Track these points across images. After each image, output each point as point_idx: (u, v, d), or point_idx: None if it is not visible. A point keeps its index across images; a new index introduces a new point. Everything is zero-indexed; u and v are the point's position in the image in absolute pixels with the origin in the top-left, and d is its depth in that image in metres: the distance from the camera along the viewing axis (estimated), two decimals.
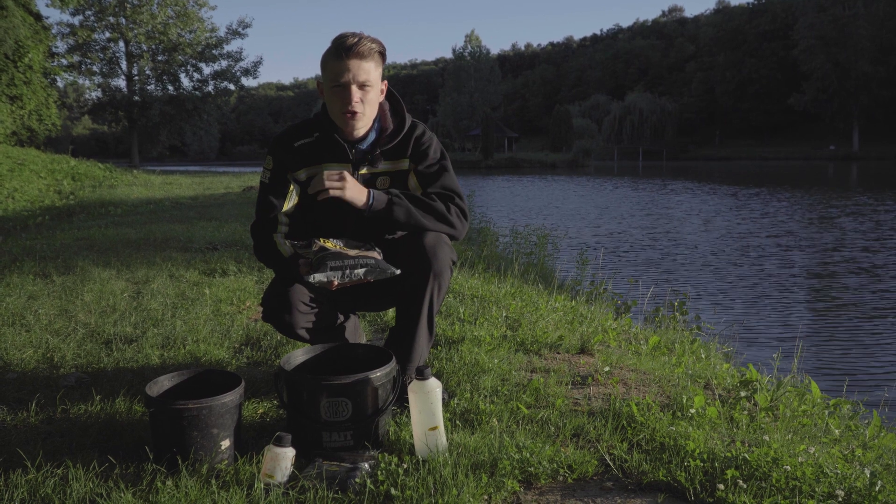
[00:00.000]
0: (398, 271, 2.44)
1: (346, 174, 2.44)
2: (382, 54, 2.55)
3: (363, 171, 2.60)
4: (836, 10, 71.37)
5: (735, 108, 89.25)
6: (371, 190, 2.51)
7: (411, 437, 2.29)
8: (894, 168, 47.29)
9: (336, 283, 2.37)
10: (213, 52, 44.51)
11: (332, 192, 2.41)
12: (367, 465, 2.10)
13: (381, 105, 2.64)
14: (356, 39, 2.46)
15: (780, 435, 2.47)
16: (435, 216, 2.57)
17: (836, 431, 2.71)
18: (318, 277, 2.34)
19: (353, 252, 2.39)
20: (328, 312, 2.72)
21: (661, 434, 2.38)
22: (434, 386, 2.24)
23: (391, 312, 4.12)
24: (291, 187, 2.63)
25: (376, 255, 2.43)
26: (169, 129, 47.00)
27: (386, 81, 2.62)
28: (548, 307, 4.50)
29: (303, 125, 2.67)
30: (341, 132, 2.58)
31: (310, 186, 2.45)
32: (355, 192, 2.45)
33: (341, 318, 2.83)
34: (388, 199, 2.51)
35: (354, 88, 2.47)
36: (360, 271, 2.37)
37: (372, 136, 2.62)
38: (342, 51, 2.45)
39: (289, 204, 2.63)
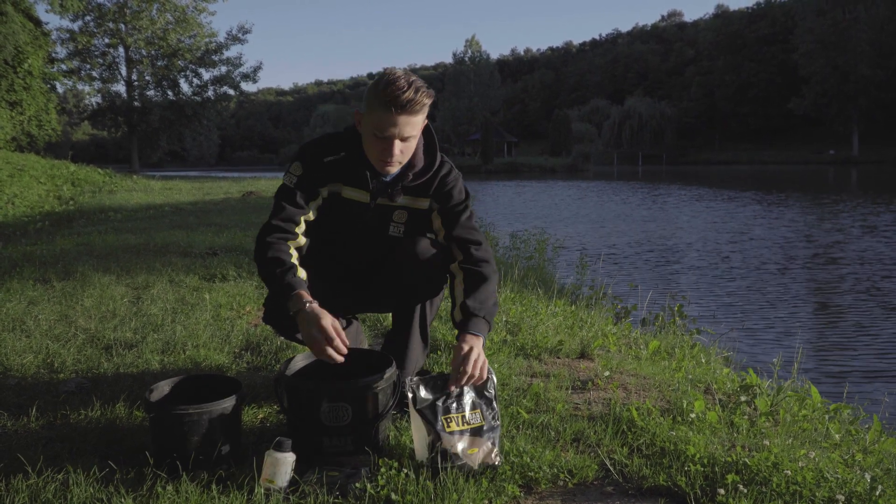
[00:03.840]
0: None
1: (476, 353, 2.30)
2: (433, 103, 2.43)
3: (382, 201, 2.56)
4: (835, 13, 71.60)
5: (734, 113, 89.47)
6: (480, 335, 2.37)
7: (411, 441, 2.29)
8: (894, 172, 47.29)
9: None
10: (213, 57, 44.50)
11: (483, 373, 2.33)
12: (365, 470, 2.11)
13: None
14: (412, 95, 2.28)
15: (780, 440, 2.47)
16: (493, 289, 2.51)
17: (837, 436, 2.71)
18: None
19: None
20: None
21: (662, 439, 2.38)
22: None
23: (391, 317, 4.11)
24: (318, 199, 2.55)
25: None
26: (169, 134, 46.95)
27: (426, 120, 2.51)
28: (548, 312, 4.50)
29: (333, 140, 2.57)
30: (368, 160, 2.50)
31: (458, 382, 2.30)
32: (482, 358, 2.33)
33: (343, 322, 2.83)
34: (487, 322, 2.42)
35: (397, 142, 2.36)
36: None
37: (398, 170, 2.52)
38: (393, 106, 2.28)
39: (312, 213, 2.54)
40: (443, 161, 2.58)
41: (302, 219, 2.51)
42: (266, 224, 2.52)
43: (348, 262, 2.74)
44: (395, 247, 2.62)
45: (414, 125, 2.36)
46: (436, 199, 2.59)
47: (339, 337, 2.20)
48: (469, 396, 2.28)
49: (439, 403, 2.23)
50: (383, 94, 2.29)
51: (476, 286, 2.46)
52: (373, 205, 2.56)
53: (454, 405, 2.24)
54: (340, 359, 2.21)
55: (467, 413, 2.25)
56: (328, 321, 2.21)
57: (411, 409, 2.22)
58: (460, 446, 2.15)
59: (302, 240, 2.52)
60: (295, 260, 2.43)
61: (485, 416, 2.26)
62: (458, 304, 2.46)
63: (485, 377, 2.32)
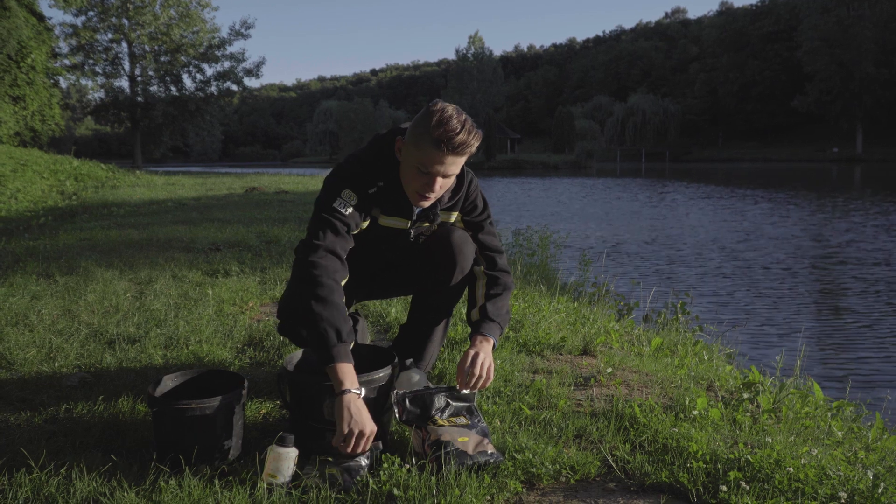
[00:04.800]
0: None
1: (481, 356, 2.42)
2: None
3: (422, 224, 2.59)
4: (840, 11, 71.38)
5: (738, 110, 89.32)
6: (491, 338, 2.49)
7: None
8: None
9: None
10: (216, 52, 44.48)
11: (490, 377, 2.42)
12: (364, 460, 2.11)
13: None
14: (465, 137, 2.22)
15: (782, 437, 2.47)
16: (509, 298, 2.64)
17: (839, 433, 2.71)
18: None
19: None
20: None
21: (664, 435, 2.38)
22: (416, 374, 2.38)
23: (393, 313, 4.12)
24: (359, 230, 2.48)
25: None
26: (172, 129, 47.00)
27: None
28: (550, 308, 4.50)
29: (366, 172, 2.43)
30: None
31: (466, 385, 2.39)
32: (491, 362, 2.45)
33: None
34: (500, 327, 2.55)
35: (439, 179, 2.31)
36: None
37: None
38: (446, 146, 2.22)
39: (351, 242, 2.44)
40: (465, 171, 2.56)
41: (349, 245, 2.41)
42: (323, 246, 2.33)
43: (372, 267, 2.76)
44: (430, 237, 2.67)
45: (458, 165, 2.32)
46: (463, 211, 2.64)
47: (365, 446, 2.09)
48: (452, 408, 2.33)
49: (425, 414, 2.30)
50: (435, 132, 2.22)
51: (497, 293, 2.59)
52: (412, 230, 2.58)
53: (438, 415, 2.29)
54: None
55: (451, 419, 2.30)
56: (367, 428, 2.08)
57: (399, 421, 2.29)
58: (451, 436, 2.16)
59: (346, 273, 2.38)
60: (347, 315, 2.27)
61: (469, 419, 2.31)
62: (478, 306, 2.57)
63: (490, 380, 2.41)
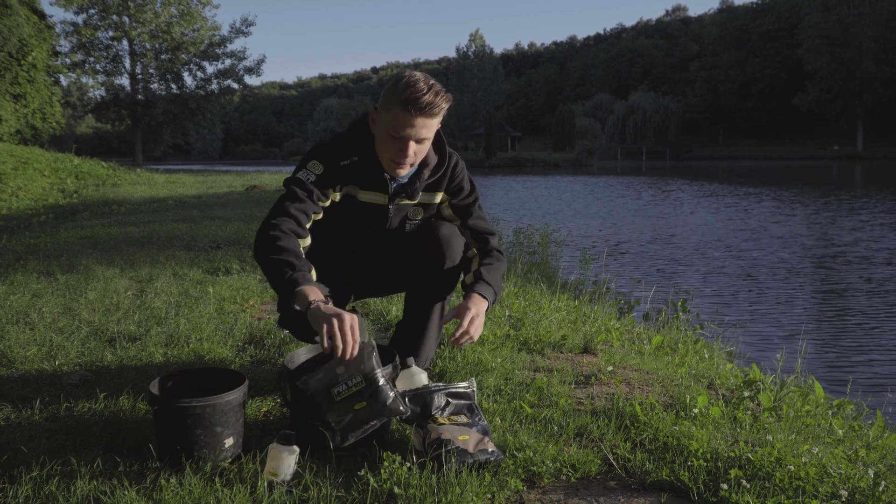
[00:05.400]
0: (407, 413, 2.21)
1: (472, 312, 2.43)
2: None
3: (400, 202, 2.60)
4: (840, 9, 71.31)
5: (739, 108, 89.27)
6: (486, 300, 2.51)
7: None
8: None
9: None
10: (217, 50, 44.49)
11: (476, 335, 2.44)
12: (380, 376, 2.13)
13: None
14: (431, 98, 2.30)
15: (783, 435, 2.46)
16: (503, 272, 2.67)
17: (840, 432, 2.71)
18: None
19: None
20: None
21: (665, 434, 2.38)
22: (417, 372, 2.38)
23: (394, 311, 4.12)
24: (329, 201, 2.52)
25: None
26: (172, 127, 47.01)
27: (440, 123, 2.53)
28: (551, 307, 4.50)
29: (343, 145, 2.52)
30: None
31: (458, 342, 2.42)
32: (482, 322, 2.47)
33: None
34: (494, 292, 2.57)
35: (412, 143, 2.37)
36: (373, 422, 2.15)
37: (412, 170, 2.55)
38: (413, 108, 2.29)
39: (321, 213, 2.52)
40: (451, 154, 2.63)
41: (314, 217, 2.47)
42: (277, 211, 2.40)
43: (363, 259, 2.76)
44: (417, 232, 2.67)
45: (430, 128, 2.38)
46: (448, 192, 2.66)
47: (353, 334, 2.07)
48: (452, 406, 2.33)
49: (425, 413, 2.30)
50: (403, 95, 2.29)
51: (491, 263, 2.62)
52: (390, 206, 2.59)
53: (439, 414, 2.29)
54: (349, 354, 2.08)
55: (452, 417, 2.30)
56: (345, 315, 2.09)
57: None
58: (451, 435, 2.16)
59: (309, 240, 2.45)
60: (304, 258, 2.31)
61: (469, 417, 2.31)
62: (472, 271, 2.60)
63: (475, 339, 2.44)
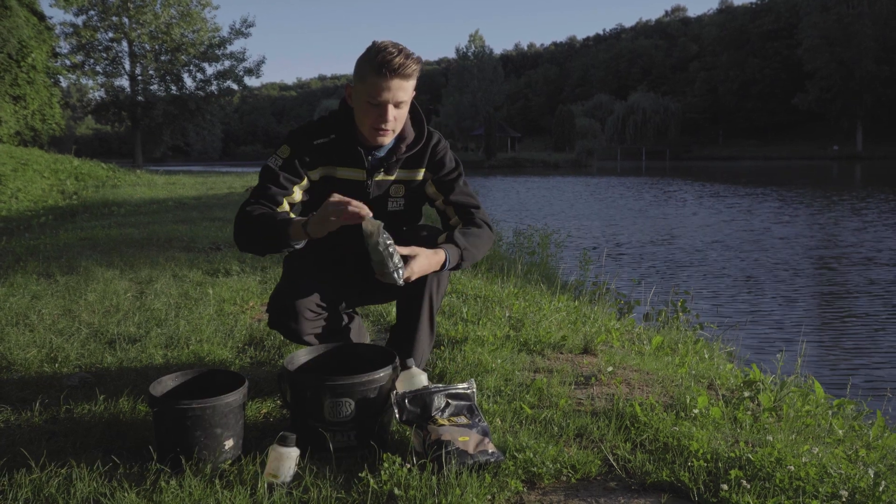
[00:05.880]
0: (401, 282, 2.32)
1: (418, 251, 2.37)
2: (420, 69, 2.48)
3: (378, 177, 2.61)
4: (840, 9, 71.27)
5: (738, 108, 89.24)
6: (446, 253, 2.46)
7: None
8: None
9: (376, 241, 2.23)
10: (216, 51, 44.41)
11: (415, 277, 2.37)
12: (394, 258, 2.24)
13: None
14: (403, 59, 2.36)
15: (783, 435, 2.46)
16: (486, 242, 2.63)
17: (840, 432, 2.71)
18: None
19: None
20: (333, 316, 2.71)
21: (665, 434, 2.38)
22: (417, 373, 2.39)
23: (394, 313, 4.11)
24: (305, 181, 2.58)
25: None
26: (172, 129, 46.93)
27: (413, 91, 2.57)
28: (551, 307, 4.50)
29: (320, 124, 2.63)
30: (360, 138, 2.56)
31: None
32: (429, 263, 2.40)
33: (346, 319, 2.83)
34: (460, 252, 2.51)
35: (391, 107, 2.42)
36: (390, 259, 2.25)
37: (390, 144, 2.59)
38: (386, 70, 2.35)
39: (298, 194, 2.58)
40: (431, 131, 2.67)
41: (285, 200, 2.54)
42: (246, 202, 2.53)
43: (350, 245, 2.71)
44: (403, 235, 2.63)
45: (406, 90, 2.43)
46: (429, 169, 2.68)
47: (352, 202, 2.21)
48: (452, 407, 2.32)
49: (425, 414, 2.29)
50: (376, 60, 2.37)
51: (471, 230, 2.60)
52: (370, 181, 2.60)
53: (439, 415, 2.28)
54: (367, 211, 2.20)
55: (452, 418, 2.29)
56: (336, 195, 2.25)
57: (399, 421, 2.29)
58: (451, 436, 2.16)
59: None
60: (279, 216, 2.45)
61: (469, 419, 2.30)
62: (446, 234, 2.58)
63: (401, 282, 2.33)
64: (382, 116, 2.43)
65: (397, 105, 2.44)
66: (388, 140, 2.53)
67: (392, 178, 2.64)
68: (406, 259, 2.32)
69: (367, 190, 2.62)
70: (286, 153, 2.56)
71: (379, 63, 2.36)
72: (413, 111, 2.64)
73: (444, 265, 2.46)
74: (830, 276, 10.14)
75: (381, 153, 2.59)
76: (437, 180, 2.68)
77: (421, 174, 2.67)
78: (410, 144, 2.62)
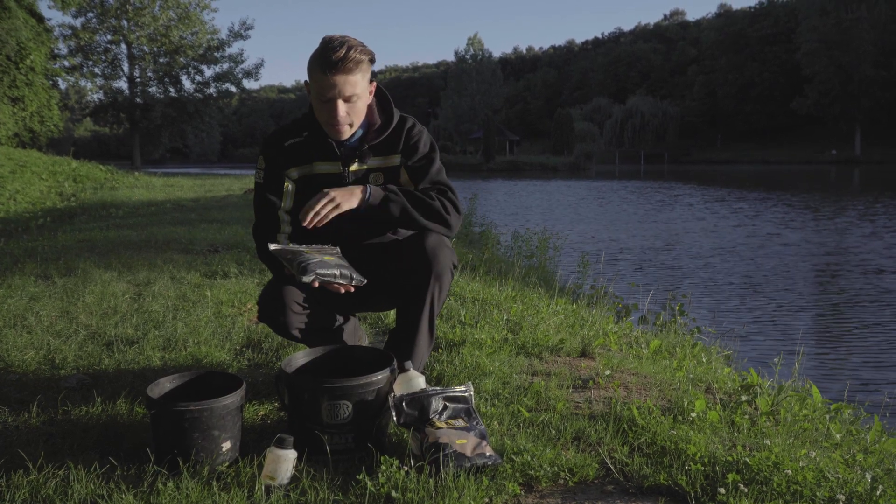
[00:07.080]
0: (364, 281, 2.41)
1: (328, 191, 2.45)
2: (371, 61, 2.48)
3: (354, 167, 2.62)
4: (838, 13, 71.36)
5: (737, 112, 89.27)
6: (368, 186, 2.52)
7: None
8: None
9: (316, 283, 2.33)
10: (215, 54, 44.44)
11: (330, 214, 2.43)
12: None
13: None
14: (342, 53, 2.37)
15: (781, 439, 2.47)
16: (430, 211, 2.57)
17: (838, 436, 2.71)
18: (304, 279, 2.31)
19: (331, 258, 2.40)
20: (323, 314, 2.72)
21: (663, 438, 2.38)
22: (415, 376, 2.39)
23: (392, 315, 4.12)
24: (287, 185, 2.64)
25: (341, 259, 2.45)
26: (170, 131, 46.94)
27: (374, 83, 2.58)
28: (549, 310, 4.50)
29: (293, 125, 2.68)
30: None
31: (302, 217, 2.45)
32: (348, 198, 2.46)
33: (340, 319, 2.83)
34: (385, 195, 2.51)
35: (340, 103, 2.45)
36: (336, 272, 2.36)
37: (359, 133, 2.61)
38: (326, 67, 2.38)
39: (287, 201, 2.65)
40: (404, 116, 2.67)
41: (279, 212, 2.64)
42: (254, 225, 2.73)
43: (340, 240, 2.70)
44: (403, 240, 2.67)
45: (353, 84, 2.43)
46: (404, 154, 2.66)
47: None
48: (450, 410, 2.32)
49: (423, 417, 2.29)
50: (318, 58, 2.41)
51: (417, 193, 2.59)
52: (346, 172, 2.61)
53: (436, 418, 2.28)
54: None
55: (449, 421, 2.29)
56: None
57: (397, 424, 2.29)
58: (449, 439, 2.16)
59: (288, 228, 2.65)
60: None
61: (467, 421, 2.30)
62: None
63: (312, 222, 2.44)
64: (333, 113, 2.46)
65: (347, 100, 2.45)
66: (346, 134, 2.54)
67: (366, 166, 2.63)
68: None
69: (346, 181, 2.61)
70: (262, 164, 2.67)
71: (322, 61, 2.39)
72: (380, 97, 2.66)
73: (363, 198, 2.49)
74: (829, 281, 10.15)
75: (352, 142, 2.61)
76: (409, 167, 2.65)
77: (397, 160, 2.65)
78: (378, 130, 2.62)
